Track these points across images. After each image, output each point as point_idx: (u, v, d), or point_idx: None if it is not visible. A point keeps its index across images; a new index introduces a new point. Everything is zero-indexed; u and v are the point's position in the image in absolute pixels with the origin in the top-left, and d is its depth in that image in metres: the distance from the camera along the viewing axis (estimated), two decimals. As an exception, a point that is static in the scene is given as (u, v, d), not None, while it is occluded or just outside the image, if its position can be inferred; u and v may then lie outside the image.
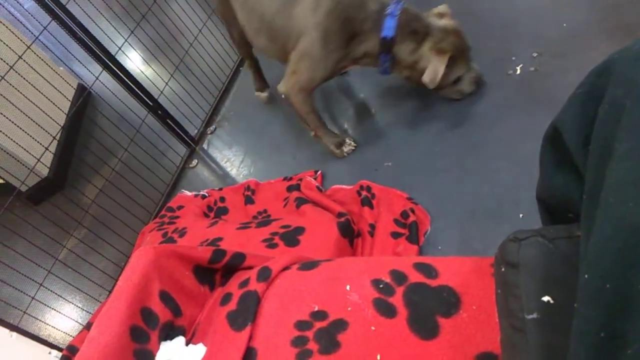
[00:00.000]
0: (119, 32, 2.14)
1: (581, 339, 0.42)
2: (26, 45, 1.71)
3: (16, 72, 1.65)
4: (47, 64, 1.88)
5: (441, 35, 1.46)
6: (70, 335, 1.72)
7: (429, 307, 0.68)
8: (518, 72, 1.59)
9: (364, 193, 1.52)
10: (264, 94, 2.20)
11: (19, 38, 1.89)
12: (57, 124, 1.89)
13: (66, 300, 1.84)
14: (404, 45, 1.48)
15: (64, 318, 1.80)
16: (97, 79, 1.85)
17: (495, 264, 0.58)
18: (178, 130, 2.14)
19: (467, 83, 1.57)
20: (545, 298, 0.50)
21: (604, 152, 0.47)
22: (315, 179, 1.69)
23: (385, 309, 0.71)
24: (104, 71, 1.87)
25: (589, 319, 0.42)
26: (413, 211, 1.38)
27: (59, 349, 1.55)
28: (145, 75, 2.15)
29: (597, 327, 0.41)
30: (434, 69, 1.45)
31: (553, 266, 0.52)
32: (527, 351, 0.50)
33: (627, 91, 0.47)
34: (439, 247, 1.31)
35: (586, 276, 0.43)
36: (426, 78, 1.46)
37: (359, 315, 0.72)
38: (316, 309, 0.75)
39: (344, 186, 1.62)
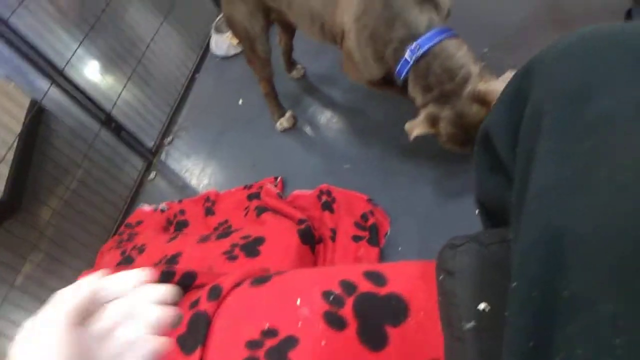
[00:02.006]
0: (66, 45, 2.08)
1: (511, 348, 0.42)
2: (-35, 65, 1.64)
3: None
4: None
5: (449, 117, 1.14)
6: (31, 364, 1.66)
7: (378, 317, 0.67)
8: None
9: (324, 197, 1.51)
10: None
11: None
12: (7, 145, 1.82)
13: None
14: (413, 94, 1.21)
15: (24, 346, 1.73)
16: (45, 94, 1.80)
17: (436, 271, 0.58)
18: (133, 143, 2.09)
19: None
20: (482, 306, 0.50)
21: (528, 156, 0.47)
22: (275, 185, 1.68)
23: (336, 322, 0.70)
24: (52, 86, 1.82)
25: (518, 328, 0.42)
26: (372, 213, 1.38)
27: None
28: (98, 87, 2.10)
29: (526, 336, 0.41)
30: (411, 125, 1.24)
31: (488, 272, 0.51)
32: (467, 360, 0.50)
33: (547, 93, 0.47)
34: (399, 249, 1.31)
35: (514, 284, 0.43)
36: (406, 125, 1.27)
37: (309, 330, 0.70)
38: (267, 326, 0.73)
39: (304, 191, 1.61)
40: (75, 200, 1.90)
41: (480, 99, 1.09)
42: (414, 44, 1.10)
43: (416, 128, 1.21)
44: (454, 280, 0.52)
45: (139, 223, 1.78)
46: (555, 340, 0.39)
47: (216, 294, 0.82)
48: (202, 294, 0.84)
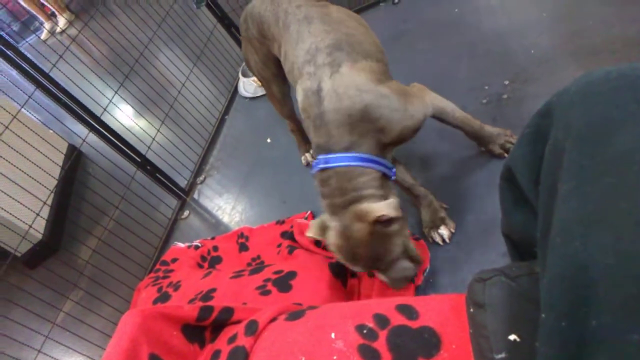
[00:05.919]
0: (102, 93, 2.20)
1: (543, 378, 0.43)
2: (12, 115, 1.75)
3: (3, 142, 1.69)
4: (33, 131, 1.92)
5: (336, 228, 1.17)
6: (72, 401, 1.70)
7: (411, 350, 0.69)
8: (492, 100, 1.64)
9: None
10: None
11: (4, 109, 1.93)
12: (48, 189, 1.92)
13: (66, 364, 1.83)
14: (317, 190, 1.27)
15: (65, 383, 1.78)
16: (84, 141, 1.89)
17: (466, 304, 0.59)
18: (168, 183, 2.17)
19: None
20: (512, 337, 0.51)
21: (551, 192, 0.49)
22: (306, 218, 1.71)
23: (370, 355, 0.71)
24: (90, 133, 1.92)
25: (549, 358, 0.43)
26: None
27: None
28: (133, 131, 2.19)
29: (557, 365, 0.42)
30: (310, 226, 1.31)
31: (517, 304, 0.53)
32: (500, 391, 0.51)
33: (565, 134, 0.50)
34: (430, 280, 1.32)
35: (543, 315, 0.45)
36: None
37: (344, 363, 0.72)
38: (303, 360, 0.75)
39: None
40: (112, 239, 1.97)
41: (361, 218, 1.11)
42: (323, 157, 1.16)
43: (309, 230, 1.26)
44: (484, 312, 0.54)
45: (174, 260, 1.83)
46: None
47: (253, 330, 0.85)
48: (240, 329, 0.87)
